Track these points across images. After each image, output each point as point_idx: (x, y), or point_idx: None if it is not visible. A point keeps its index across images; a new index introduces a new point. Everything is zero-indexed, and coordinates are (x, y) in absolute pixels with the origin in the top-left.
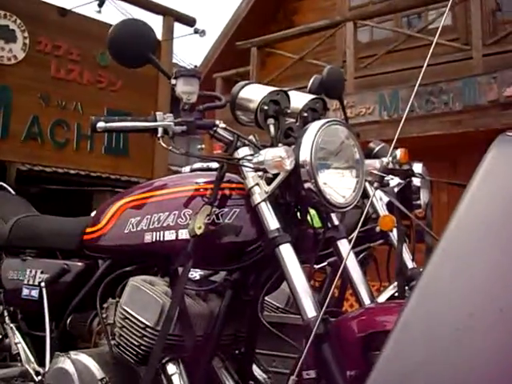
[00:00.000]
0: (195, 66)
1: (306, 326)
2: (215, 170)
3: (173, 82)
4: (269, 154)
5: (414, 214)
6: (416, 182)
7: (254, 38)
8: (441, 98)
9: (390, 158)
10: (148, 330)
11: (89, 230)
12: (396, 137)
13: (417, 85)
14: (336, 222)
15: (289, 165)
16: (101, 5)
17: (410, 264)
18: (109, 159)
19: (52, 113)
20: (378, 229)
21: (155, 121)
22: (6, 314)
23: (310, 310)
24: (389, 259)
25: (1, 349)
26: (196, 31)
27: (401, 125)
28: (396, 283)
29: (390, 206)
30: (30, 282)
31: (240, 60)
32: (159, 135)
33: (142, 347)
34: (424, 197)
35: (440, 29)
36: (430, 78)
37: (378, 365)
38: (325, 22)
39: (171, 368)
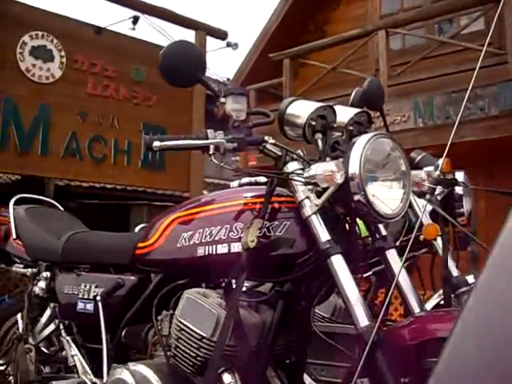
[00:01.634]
0: (228, 79)
1: (359, 335)
2: (263, 184)
3: (222, 100)
4: (320, 169)
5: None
6: (458, 190)
7: (286, 50)
8: (476, 103)
9: (433, 168)
10: (204, 340)
11: (141, 244)
12: (448, 144)
13: (469, 89)
14: (384, 233)
15: (339, 178)
16: (135, 22)
17: (454, 272)
18: (145, 173)
19: (89, 129)
20: (421, 238)
21: (206, 138)
22: (61, 327)
23: (362, 319)
24: (432, 268)
25: (56, 361)
26: (228, 44)
27: (453, 132)
28: (441, 291)
29: (432, 215)
30: (85, 296)
31: (273, 71)
32: (211, 152)
33: (198, 358)
34: (467, 205)
35: (489, 36)
36: (464, 83)
37: (436, 371)
38: (357, 31)
39: (227, 378)
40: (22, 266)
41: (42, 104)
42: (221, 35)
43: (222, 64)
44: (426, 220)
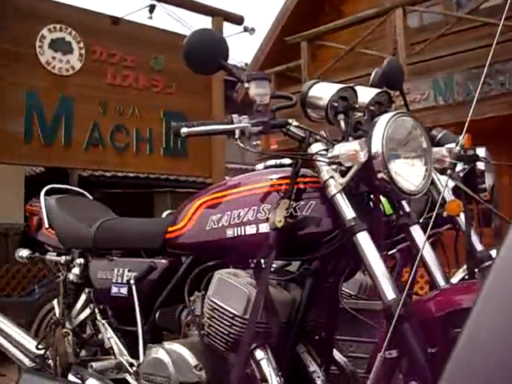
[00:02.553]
0: (245, 64)
1: (387, 308)
2: (288, 166)
3: (246, 85)
4: (343, 148)
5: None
6: (480, 166)
7: (303, 32)
8: (497, 79)
9: (455, 144)
10: (236, 319)
11: (170, 229)
12: (468, 120)
13: (486, 65)
14: (407, 209)
15: (363, 157)
16: (152, 11)
17: (478, 247)
18: (168, 160)
19: (111, 119)
20: (444, 214)
21: (232, 123)
22: (96, 311)
23: (389, 292)
24: (456, 244)
25: (92, 344)
26: (245, 29)
27: (472, 108)
28: (465, 267)
29: (455, 192)
30: (119, 281)
31: (290, 54)
32: (237, 136)
33: (231, 335)
34: (489, 180)
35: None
36: (484, 59)
37: (460, 340)
38: (374, 10)
39: (259, 354)
40: (54, 254)
41: (64, 96)
42: (237, 20)
43: (240, 49)
44: (449, 196)
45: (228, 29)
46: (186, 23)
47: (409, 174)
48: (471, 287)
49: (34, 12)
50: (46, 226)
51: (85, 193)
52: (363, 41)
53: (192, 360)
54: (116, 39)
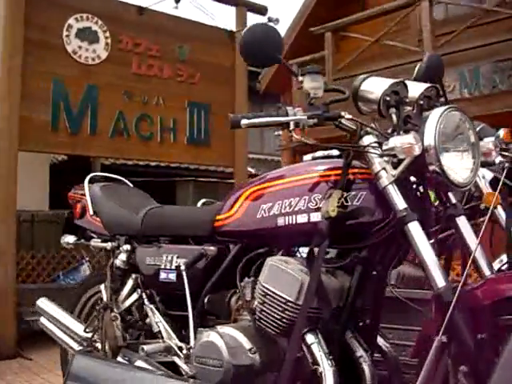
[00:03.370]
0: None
1: (438, 295)
2: (335, 157)
3: (300, 79)
4: (399, 141)
5: None
6: None
7: (327, 23)
8: None
9: (494, 138)
10: (289, 304)
11: (219, 217)
12: None
13: None
14: (454, 201)
15: (418, 150)
16: (178, 1)
17: None
18: (191, 150)
19: (136, 108)
20: (482, 206)
21: (286, 115)
22: (144, 296)
23: (440, 280)
24: (491, 236)
25: (140, 328)
26: (270, 20)
27: None
28: (501, 257)
29: (492, 184)
30: (168, 266)
31: (314, 45)
32: (291, 128)
33: (283, 320)
34: None
35: None
36: (511, 52)
37: None
38: (399, 2)
39: (310, 338)
40: (99, 240)
41: (89, 85)
42: (261, 10)
43: None
44: (486, 189)
45: (252, 19)
46: (211, 14)
47: (458, 166)
48: None
49: (61, 1)
50: (91, 213)
51: (125, 181)
52: (388, 32)
53: (246, 343)
54: (141, 29)
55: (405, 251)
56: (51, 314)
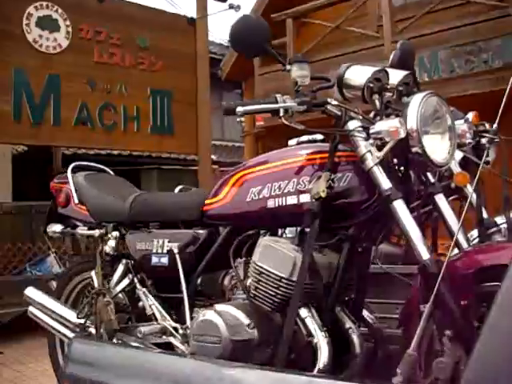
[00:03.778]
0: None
1: (424, 267)
2: (320, 141)
3: (288, 67)
4: (385, 125)
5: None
6: (483, 140)
7: (288, 9)
8: (480, 56)
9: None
10: (283, 281)
11: (208, 201)
12: (504, 99)
13: None
14: (432, 180)
15: (403, 133)
16: None
17: (485, 215)
18: (155, 138)
19: (98, 97)
20: (452, 185)
21: (276, 102)
22: (135, 280)
23: (424, 253)
24: (460, 213)
25: (132, 312)
26: (231, 6)
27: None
28: (472, 233)
29: (462, 164)
30: (159, 251)
31: (275, 31)
32: (281, 114)
33: (278, 296)
34: (492, 154)
35: None
36: (468, 37)
37: (499, 296)
38: None
39: (304, 312)
40: (85, 228)
41: (51, 74)
42: None
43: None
44: (456, 169)
45: (213, 6)
46: (172, 1)
47: (437, 147)
48: (494, 247)
49: None
50: (76, 201)
51: (108, 170)
52: (347, 18)
53: (244, 319)
54: (102, 17)
55: (388, 229)
56: (40, 302)
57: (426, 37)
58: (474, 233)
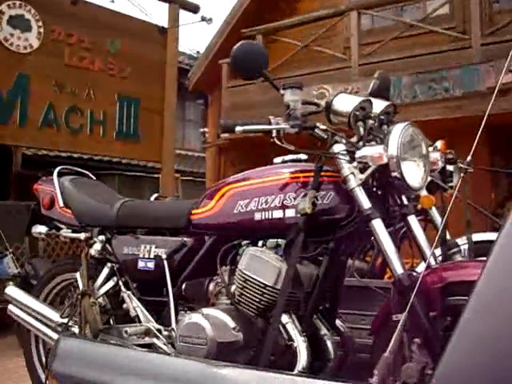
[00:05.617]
0: (197, 52)
1: (398, 280)
2: (304, 161)
3: (281, 92)
4: (370, 151)
5: (447, 194)
6: (448, 167)
7: (258, 26)
8: (442, 84)
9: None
10: (268, 288)
11: (195, 211)
12: (480, 131)
13: None
14: (406, 202)
15: (385, 159)
16: None
17: (447, 236)
18: (120, 144)
19: (66, 100)
20: (418, 207)
21: (270, 124)
22: (120, 283)
23: (398, 268)
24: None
25: (115, 314)
26: (203, 19)
27: (490, 107)
28: (435, 251)
29: (428, 188)
30: (146, 256)
31: None
32: (274, 135)
33: (262, 302)
34: (455, 180)
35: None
36: (432, 65)
37: (468, 307)
38: (329, 11)
39: (285, 318)
40: (69, 231)
41: (20, 74)
42: (193, 8)
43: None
44: (423, 192)
45: (184, 17)
46: (144, 9)
47: (413, 173)
48: (460, 265)
49: None
50: (61, 204)
51: (89, 174)
52: (316, 38)
53: (230, 323)
54: (74, 20)
55: (363, 245)
56: (21, 301)
57: (391, 62)
58: (437, 251)
